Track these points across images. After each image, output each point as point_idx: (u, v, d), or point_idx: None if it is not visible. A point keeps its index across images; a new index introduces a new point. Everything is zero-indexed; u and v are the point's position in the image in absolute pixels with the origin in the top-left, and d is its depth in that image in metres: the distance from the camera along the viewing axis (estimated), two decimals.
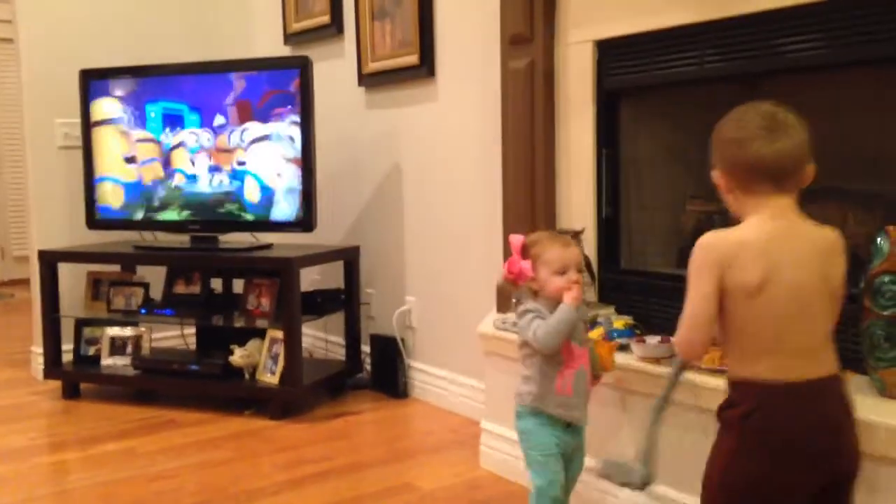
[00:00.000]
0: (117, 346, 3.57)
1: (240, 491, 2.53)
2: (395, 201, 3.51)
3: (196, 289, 3.57)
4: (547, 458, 1.92)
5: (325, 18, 3.75)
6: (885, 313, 1.68)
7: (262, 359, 3.26)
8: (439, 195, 3.28)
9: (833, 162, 2.22)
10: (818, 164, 2.25)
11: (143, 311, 3.56)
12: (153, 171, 3.55)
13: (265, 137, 3.35)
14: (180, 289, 3.60)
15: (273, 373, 3.21)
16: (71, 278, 3.71)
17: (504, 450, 2.56)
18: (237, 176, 3.41)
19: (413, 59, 3.25)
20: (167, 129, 3.50)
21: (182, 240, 3.58)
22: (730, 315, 1.43)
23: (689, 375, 1.94)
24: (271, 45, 4.11)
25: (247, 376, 3.28)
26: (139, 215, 3.58)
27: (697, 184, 2.41)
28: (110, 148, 3.59)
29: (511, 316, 2.65)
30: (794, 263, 1.40)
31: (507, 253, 2.78)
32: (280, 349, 3.19)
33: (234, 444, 2.94)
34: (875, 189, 2.10)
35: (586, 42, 2.53)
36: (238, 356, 3.26)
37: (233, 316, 3.44)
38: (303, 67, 3.26)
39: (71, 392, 3.55)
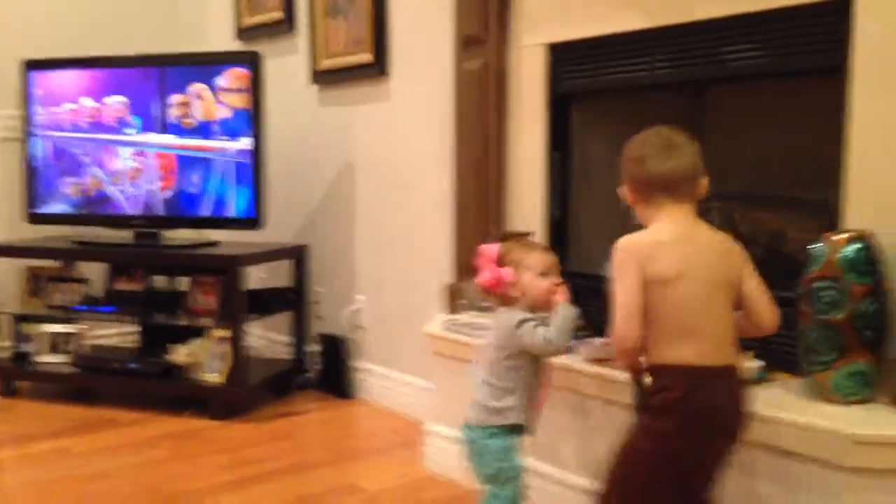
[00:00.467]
0: (56, 344, 3.47)
1: (177, 492, 2.48)
2: (346, 200, 3.49)
3: (139, 286, 3.49)
4: (519, 473, 1.92)
5: (278, 14, 3.70)
6: (821, 317, 1.72)
7: (205, 358, 3.20)
8: (391, 194, 3.26)
9: (773, 170, 2.29)
10: (755, 172, 2.31)
11: (82, 307, 3.47)
12: None
13: (214, 133, 3.29)
14: (122, 285, 3.51)
15: (216, 372, 3.15)
16: (9, 273, 3.60)
17: (449, 451, 2.55)
18: (184, 171, 3.35)
19: (367, 57, 3.23)
20: (112, 122, 3.42)
21: (125, 235, 3.50)
22: (652, 305, 1.58)
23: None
24: (223, 39, 4.05)
25: (189, 376, 3.21)
26: (81, 210, 3.49)
27: None
28: None
29: (461, 317, 2.65)
30: (701, 260, 1.59)
31: (461, 254, 2.79)
32: (224, 348, 3.13)
33: (173, 444, 2.88)
34: (814, 196, 2.14)
35: (539, 45, 2.54)
36: (180, 355, 3.20)
37: (176, 314, 3.37)
38: (253, 62, 3.22)
39: (7, 390, 3.44)
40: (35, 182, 3.52)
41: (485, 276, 1.89)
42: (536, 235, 2.51)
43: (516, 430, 1.92)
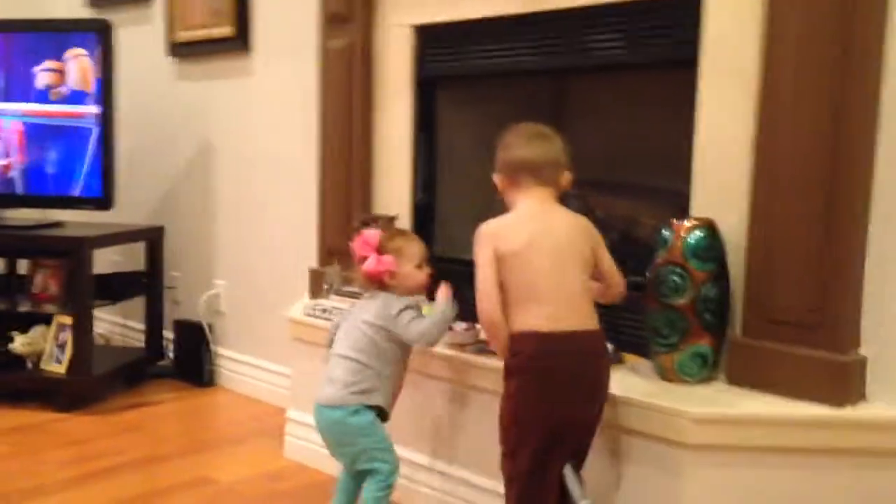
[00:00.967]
0: None
1: (14, 490, 2.31)
2: (205, 179, 3.35)
3: None
4: (389, 444, 1.94)
5: None
6: (666, 302, 1.78)
7: (47, 346, 3.00)
8: (253, 175, 3.15)
9: (630, 158, 2.36)
10: (613, 160, 2.37)
11: None
12: None
13: (61, 105, 3.07)
14: None
15: (60, 362, 2.96)
16: None
17: (309, 439, 2.50)
18: (27, 146, 3.11)
19: (227, 30, 3.10)
20: None
21: None
22: (506, 279, 1.69)
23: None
24: (73, 7, 3.78)
25: (30, 365, 3.00)
26: None
27: None
28: None
29: (324, 302, 2.59)
30: (551, 233, 1.71)
31: (325, 238, 2.73)
32: (68, 336, 2.94)
33: (13, 438, 2.69)
34: (663, 184, 2.23)
35: (405, 26, 2.51)
36: (20, 343, 2.99)
37: (16, 300, 3.14)
38: (102, 31, 3.02)
39: None
40: None
41: (370, 263, 1.91)
42: (402, 219, 2.50)
43: (377, 410, 1.92)
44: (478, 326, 2.16)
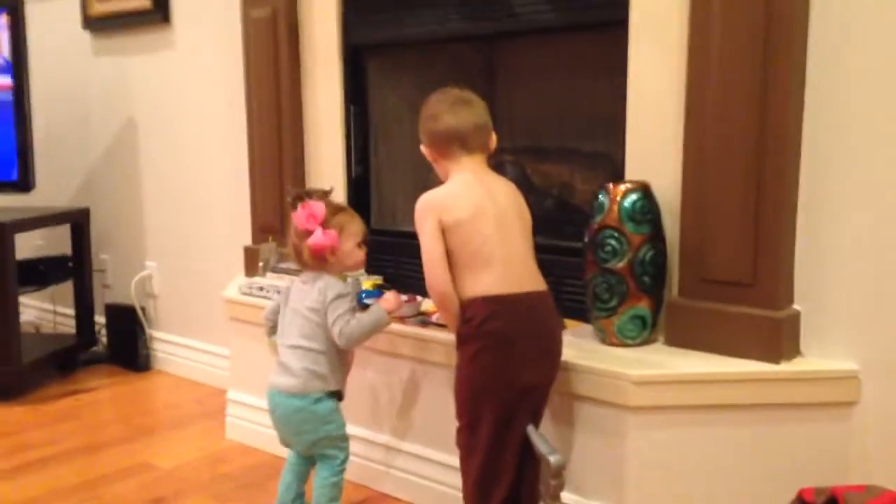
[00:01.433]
0: None
1: None
2: (129, 158, 3.23)
3: None
4: (346, 433, 1.92)
5: None
6: (606, 266, 1.79)
7: None
8: (180, 151, 3.05)
9: (564, 123, 2.35)
10: (547, 125, 2.36)
11: None
12: None
13: None
14: None
15: None
16: None
17: (250, 419, 2.46)
18: None
19: (145, 2, 2.98)
20: None
21: None
22: (453, 248, 1.68)
23: (414, 330, 2.04)
24: None
25: None
26: None
27: None
28: None
29: (259, 280, 2.54)
30: (493, 200, 1.71)
31: (258, 215, 2.67)
32: None
33: None
34: (598, 148, 2.23)
35: None
36: None
37: None
38: (12, 6, 2.86)
39: None
40: None
41: (317, 237, 1.84)
42: (337, 192, 2.45)
43: (336, 395, 1.91)
44: (419, 298, 2.15)
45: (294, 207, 1.89)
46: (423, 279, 1.72)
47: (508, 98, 2.44)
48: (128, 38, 3.14)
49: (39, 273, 3.11)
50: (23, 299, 3.12)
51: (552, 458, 1.59)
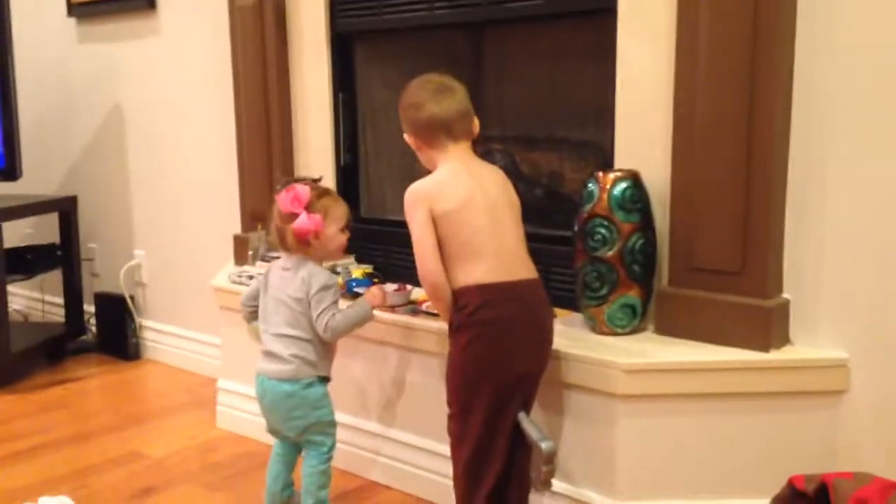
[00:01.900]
0: None
1: None
2: (117, 145, 3.20)
3: None
4: (335, 419, 1.92)
5: None
6: (595, 254, 1.79)
7: None
8: (168, 138, 3.03)
9: (552, 111, 2.34)
10: (535, 113, 2.35)
11: None
12: None
13: None
14: None
15: None
16: None
17: (241, 407, 2.46)
18: None
19: None
20: None
21: None
22: (444, 237, 1.68)
23: (405, 318, 2.03)
24: None
25: None
26: None
27: None
28: None
29: (249, 268, 2.53)
30: (483, 188, 1.71)
31: (247, 203, 2.65)
32: None
33: None
34: (587, 137, 2.22)
35: None
36: None
37: None
38: None
39: None
40: None
41: (302, 220, 1.82)
42: (326, 181, 2.44)
43: (325, 380, 1.91)
44: (409, 287, 2.14)
45: (286, 188, 1.87)
46: (413, 268, 1.71)
47: (497, 86, 2.43)
48: (113, 24, 3.11)
49: (27, 262, 3.09)
50: (11, 288, 3.10)
51: (544, 445, 1.60)
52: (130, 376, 3.05)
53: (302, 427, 1.87)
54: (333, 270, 2.28)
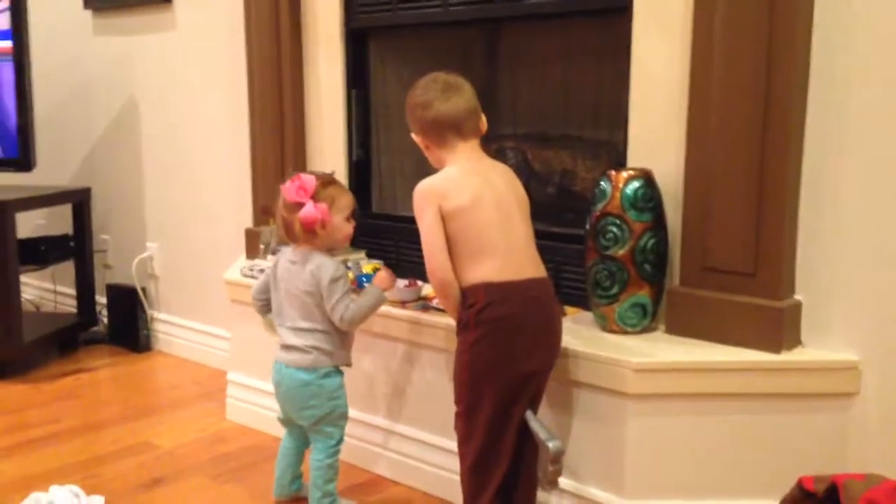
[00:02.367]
0: None
1: None
2: (131, 137, 3.22)
3: None
4: (347, 410, 1.93)
5: None
6: (607, 253, 1.79)
7: None
8: (182, 131, 3.04)
9: (562, 109, 2.34)
10: (549, 111, 2.34)
11: None
12: None
13: None
14: None
15: None
16: None
17: (251, 400, 2.47)
18: None
19: None
20: None
21: None
22: (453, 235, 1.68)
23: (414, 314, 2.04)
24: None
25: None
26: None
27: None
28: None
29: (260, 262, 2.54)
30: (492, 185, 1.71)
31: (259, 197, 2.66)
32: None
33: None
34: (601, 135, 2.22)
35: None
36: None
37: None
38: None
39: None
40: None
41: (308, 210, 1.82)
42: (338, 177, 2.45)
43: (341, 371, 1.92)
44: (419, 283, 2.15)
45: (291, 178, 1.87)
46: (423, 264, 1.71)
47: (511, 83, 2.43)
48: (129, 17, 3.12)
49: (40, 252, 3.10)
50: (23, 278, 3.12)
51: (551, 444, 1.60)
52: (141, 368, 3.07)
53: (316, 417, 1.88)
54: (345, 265, 2.29)
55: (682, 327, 1.80)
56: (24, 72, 2.90)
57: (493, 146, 2.39)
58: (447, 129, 1.73)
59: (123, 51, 3.17)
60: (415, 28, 2.36)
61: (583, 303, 1.95)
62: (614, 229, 1.76)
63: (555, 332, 1.72)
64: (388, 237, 2.45)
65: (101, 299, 3.32)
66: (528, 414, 1.67)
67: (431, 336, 2.00)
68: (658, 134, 1.83)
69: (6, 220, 2.82)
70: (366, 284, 2.17)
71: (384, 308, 2.05)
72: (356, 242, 2.49)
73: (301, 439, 1.97)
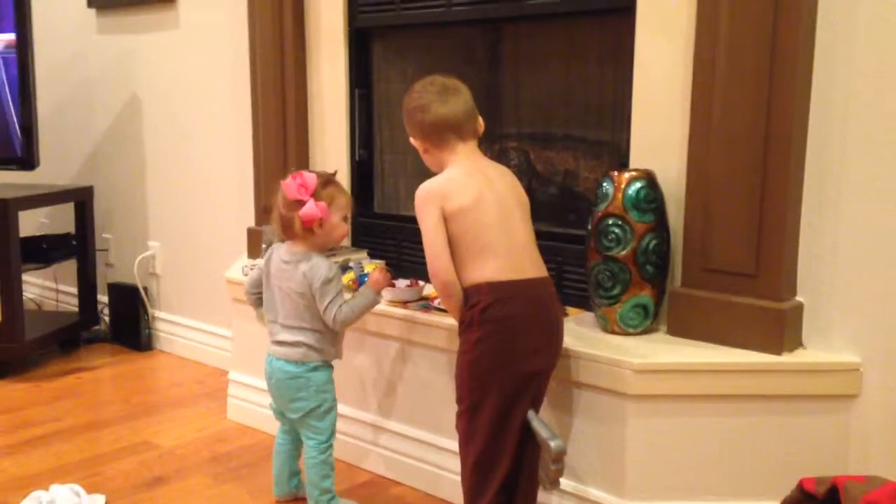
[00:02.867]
0: None
1: None
2: (133, 136, 3.22)
3: None
4: (336, 403, 1.94)
5: None
6: (609, 254, 1.78)
7: None
8: (184, 130, 3.04)
9: (564, 109, 2.34)
10: (552, 112, 2.34)
11: None
12: None
13: None
14: None
15: None
16: None
17: (252, 400, 2.47)
18: None
19: None
20: None
21: None
22: (455, 235, 1.68)
23: (412, 313, 2.04)
24: None
25: None
26: None
27: None
28: None
29: (261, 261, 2.53)
30: (492, 186, 1.71)
31: (262, 196, 2.66)
32: None
33: None
34: (603, 135, 2.22)
35: None
36: None
37: None
38: None
39: None
40: None
41: (309, 208, 1.82)
42: (341, 176, 2.45)
43: (331, 365, 1.93)
44: (420, 283, 2.15)
45: (292, 175, 1.87)
46: (425, 264, 1.71)
47: (514, 84, 2.43)
48: (133, 16, 3.12)
49: (42, 251, 3.11)
50: (25, 276, 3.13)
51: (553, 444, 1.60)
52: (142, 367, 3.07)
53: (304, 409, 1.89)
54: (346, 265, 2.30)
55: (684, 328, 1.80)
56: (28, 70, 2.91)
57: (496, 146, 2.39)
58: (446, 131, 1.74)
59: (127, 49, 3.18)
60: (418, 28, 2.36)
61: (584, 303, 1.95)
62: (616, 230, 1.76)
63: (556, 332, 1.72)
64: (390, 237, 2.45)
65: (103, 298, 3.32)
66: (530, 413, 1.68)
67: (434, 336, 2.00)
68: (660, 135, 1.83)
69: (9, 218, 2.82)
70: (370, 273, 2.18)
71: (383, 308, 2.06)
72: (359, 242, 2.50)
73: (294, 433, 1.98)
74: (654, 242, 1.77)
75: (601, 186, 1.80)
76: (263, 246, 2.62)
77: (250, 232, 2.68)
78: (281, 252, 1.90)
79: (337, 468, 1.95)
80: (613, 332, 1.83)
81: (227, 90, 2.84)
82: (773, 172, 1.66)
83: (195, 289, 3.07)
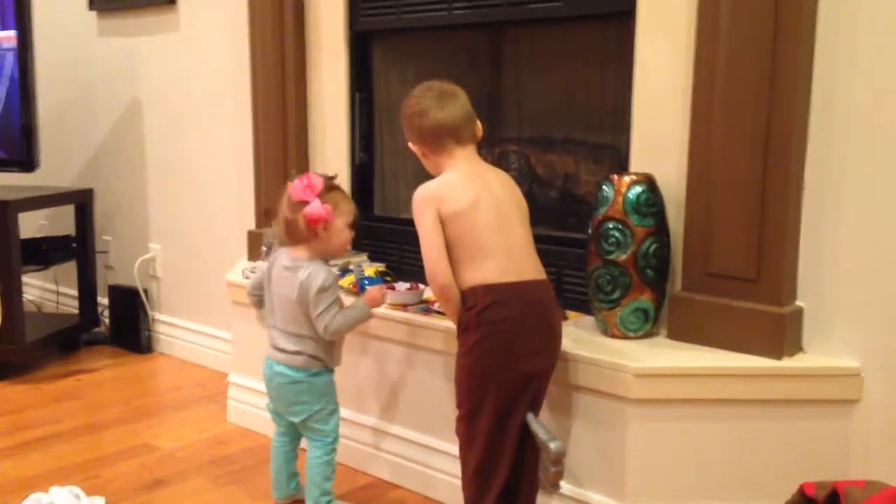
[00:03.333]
0: None
1: None
2: (134, 138, 3.22)
3: None
4: (338, 406, 1.94)
5: None
6: (609, 257, 1.78)
7: None
8: (185, 133, 3.04)
9: (565, 113, 2.34)
10: (552, 115, 2.34)
11: None
12: None
13: None
14: None
15: None
16: None
17: (252, 402, 2.47)
18: None
19: None
20: None
21: None
22: (452, 238, 1.69)
23: (412, 316, 2.04)
24: None
25: None
26: None
27: None
28: None
29: (262, 264, 2.53)
30: (490, 190, 1.72)
31: (262, 199, 2.66)
32: None
33: None
34: (603, 139, 2.22)
35: None
36: None
37: None
38: None
39: None
40: None
41: (315, 207, 1.82)
42: (341, 179, 2.45)
43: (332, 369, 1.93)
44: (421, 286, 2.15)
45: (299, 176, 1.87)
46: (424, 268, 1.71)
47: (514, 87, 2.43)
48: (133, 18, 3.13)
49: (42, 253, 3.10)
50: (25, 279, 3.14)
51: (552, 445, 1.60)
52: (142, 369, 3.07)
53: (306, 413, 1.89)
54: (347, 268, 2.30)
55: (684, 332, 1.80)
56: (28, 72, 2.91)
57: (497, 150, 2.39)
58: (445, 136, 1.74)
59: (128, 52, 3.18)
60: (419, 31, 2.36)
61: (584, 307, 1.95)
62: (616, 234, 1.76)
63: (555, 334, 1.72)
64: (390, 240, 2.45)
65: (103, 300, 3.32)
66: (529, 416, 1.67)
67: (434, 339, 2.00)
68: (661, 138, 1.83)
69: (9, 220, 2.82)
70: (367, 288, 2.17)
71: (383, 311, 2.06)
72: (359, 245, 2.50)
73: (290, 435, 1.98)
74: (654, 246, 1.77)
75: (601, 190, 1.80)
76: (263, 248, 2.62)
77: (250, 234, 2.68)
78: (283, 258, 1.91)
79: (337, 471, 1.95)
80: (613, 336, 1.83)
81: (228, 93, 2.84)
82: (774, 176, 1.66)
83: (195, 291, 3.07)
